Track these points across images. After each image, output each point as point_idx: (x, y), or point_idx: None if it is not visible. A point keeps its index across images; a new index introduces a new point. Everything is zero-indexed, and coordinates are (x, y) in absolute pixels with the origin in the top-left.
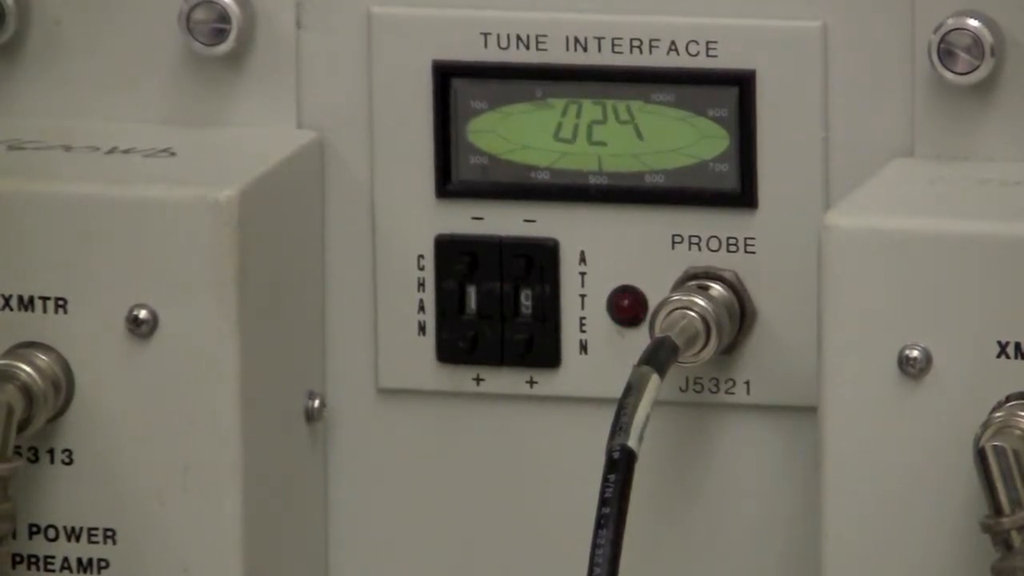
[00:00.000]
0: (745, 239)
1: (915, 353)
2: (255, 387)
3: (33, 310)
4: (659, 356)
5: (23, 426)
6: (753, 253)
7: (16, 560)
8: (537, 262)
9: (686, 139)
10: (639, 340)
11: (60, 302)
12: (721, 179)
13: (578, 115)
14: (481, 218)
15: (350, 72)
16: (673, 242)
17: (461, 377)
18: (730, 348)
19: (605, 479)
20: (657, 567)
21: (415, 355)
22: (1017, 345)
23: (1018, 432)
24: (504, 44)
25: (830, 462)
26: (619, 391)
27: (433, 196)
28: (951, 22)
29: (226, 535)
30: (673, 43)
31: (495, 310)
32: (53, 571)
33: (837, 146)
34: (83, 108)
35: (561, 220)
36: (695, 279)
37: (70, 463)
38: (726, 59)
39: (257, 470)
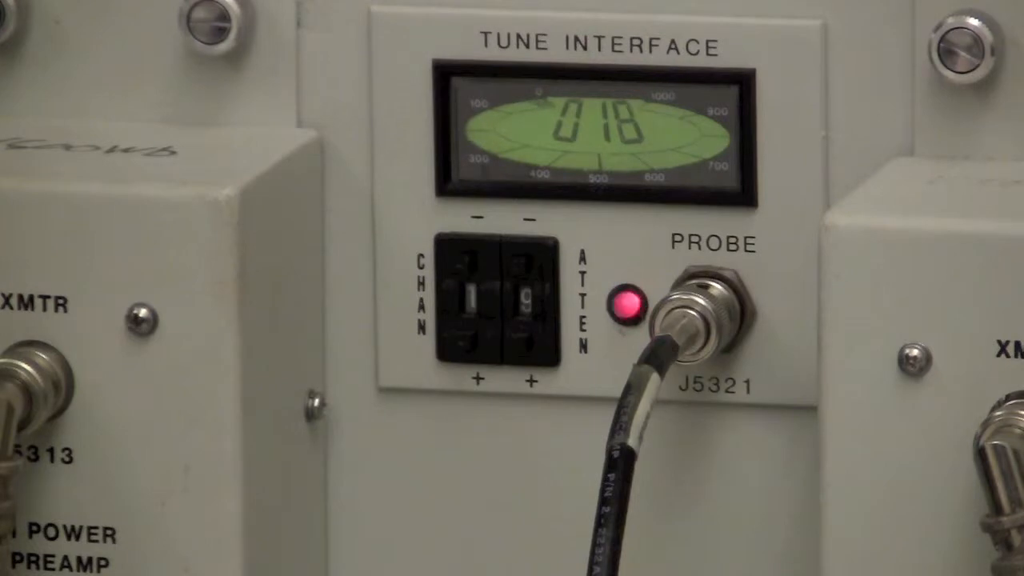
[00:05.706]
0: (745, 238)
1: (915, 352)
2: (255, 386)
3: (33, 309)
4: (659, 355)
5: (23, 425)
6: (753, 252)
7: (16, 559)
8: (537, 261)
9: (686, 138)
10: (639, 339)
11: (60, 301)
12: (721, 178)
13: (578, 114)
14: (481, 217)
15: (350, 71)
16: (673, 241)
17: (461, 376)
18: (730, 347)
19: (605, 478)
20: (657, 567)
21: (415, 354)
22: (1017, 344)
23: (1018, 431)
24: (504, 43)
25: (830, 462)
26: (619, 390)
27: (433, 195)
28: (951, 21)
29: (226, 534)
30: (673, 42)
31: (495, 309)
32: (53, 570)
33: (837, 146)
34: (83, 108)
35: (561, 219)
36: (695, 278)
37: (70, 462)
38: (726, 58)
39: (257, 469)
